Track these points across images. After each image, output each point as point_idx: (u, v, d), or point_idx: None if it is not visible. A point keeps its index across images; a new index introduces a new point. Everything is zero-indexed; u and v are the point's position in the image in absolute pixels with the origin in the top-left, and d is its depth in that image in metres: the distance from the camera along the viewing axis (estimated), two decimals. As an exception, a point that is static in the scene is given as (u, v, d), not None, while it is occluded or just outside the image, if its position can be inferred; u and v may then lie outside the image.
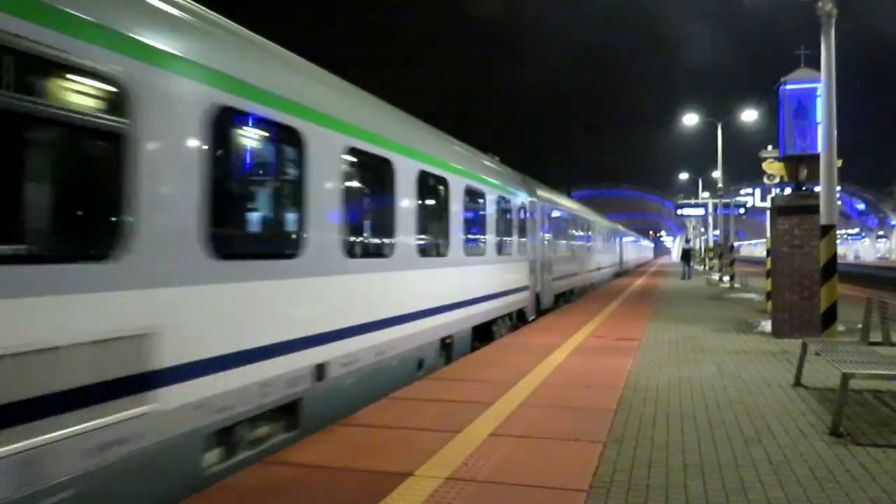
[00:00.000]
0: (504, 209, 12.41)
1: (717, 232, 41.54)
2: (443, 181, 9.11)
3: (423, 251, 8.31)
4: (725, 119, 32.69)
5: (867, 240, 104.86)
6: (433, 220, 9.01)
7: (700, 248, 54.57)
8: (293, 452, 4.80)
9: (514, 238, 13.03)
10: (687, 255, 35.85)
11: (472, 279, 10.22)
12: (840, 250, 43.47)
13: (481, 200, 11.00)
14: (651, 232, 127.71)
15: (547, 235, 16.30)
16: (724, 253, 31.56)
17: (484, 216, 11.12)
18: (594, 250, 26.89)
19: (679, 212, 44.08)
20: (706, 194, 45.52)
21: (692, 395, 6.82)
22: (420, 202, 8.19)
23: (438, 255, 8.96)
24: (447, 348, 9.17)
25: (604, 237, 30.77)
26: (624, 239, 45.09)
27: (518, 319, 13.49)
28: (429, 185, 8.65)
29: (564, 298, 19.22)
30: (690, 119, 33.79)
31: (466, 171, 10.24)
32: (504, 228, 12.40)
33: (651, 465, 4.60)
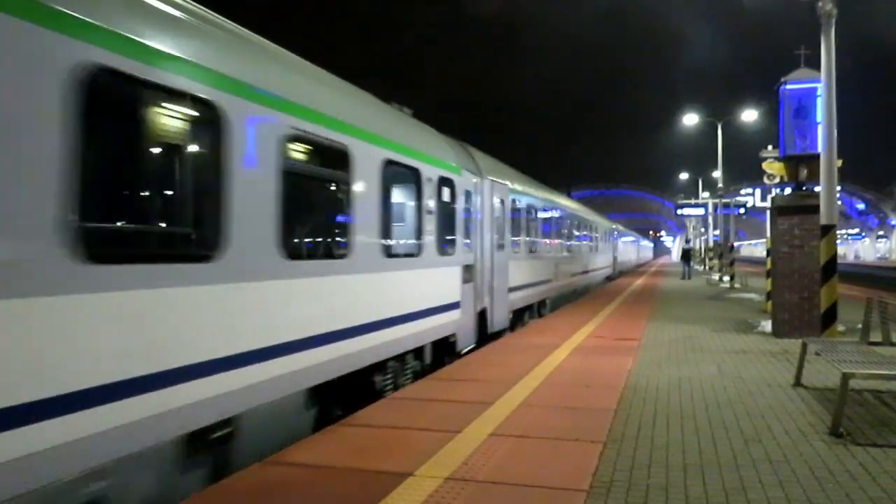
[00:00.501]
0: (408, 186, 8.35)
1: (717, 232, 41.58)
2: (225, 119, 4.71)
3: (166, 254, 4.36)
4: (725, 119, 32.79)
5: (867, 240, 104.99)
6: (203, 193, 4.69)
7: (700, 248, 54.61)
8: (293, 452, 4.80)
9: (430, 231, 8.70)
10: (687, 255, 35.89)
11: (306, 303, 5.79)
12: (840, 250, 43.50)
13: (348, 167, 6.54)
14: (651, 232, 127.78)
15: (503, 232, 12.35)
16: (724, 253, 31.60)
17: (350, 194, 6.61)
18: (579, 250, 22.95)
19: (679, 212, 44.15)
20: (706, 194, 45.58)
21: (692, 395, 6.82)
22: (157, 150, 4.41)
23: (203, 259, 4.54)
24: (223, 444, 4.78)
25: (593, 235, 27.07)
26: (621, 239, 43.67)
27: (440, 354, 9.18)
28: (195, 125, 4.62)
29: (533, 312, 15.22)
30: (690, 119, 33.87)
31: (303, 108, 5.75)
32: (406, 216, 8.40)
33: (651, 465, 4.60)
